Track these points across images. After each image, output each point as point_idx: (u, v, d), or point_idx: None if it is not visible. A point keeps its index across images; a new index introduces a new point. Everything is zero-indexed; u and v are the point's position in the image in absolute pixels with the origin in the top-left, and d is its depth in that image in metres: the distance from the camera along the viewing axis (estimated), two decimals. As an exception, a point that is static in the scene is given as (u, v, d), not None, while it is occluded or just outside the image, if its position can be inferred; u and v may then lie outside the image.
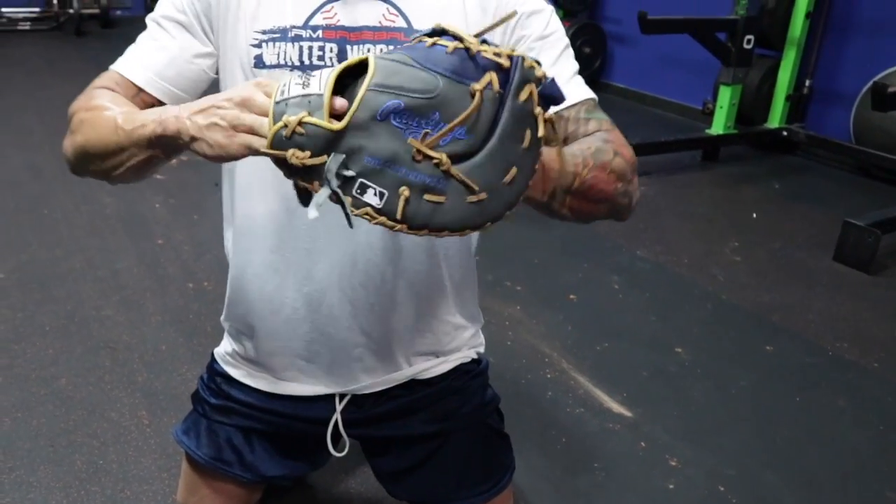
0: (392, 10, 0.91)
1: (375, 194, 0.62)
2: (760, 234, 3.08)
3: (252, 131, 0.66)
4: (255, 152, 0.67)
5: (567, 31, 0.97)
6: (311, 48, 0.89)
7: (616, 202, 0.84)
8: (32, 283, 2.36)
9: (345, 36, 0.90)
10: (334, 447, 1.10)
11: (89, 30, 7.07)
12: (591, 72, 5.41)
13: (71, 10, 6.86)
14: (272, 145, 0.63)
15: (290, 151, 0.62)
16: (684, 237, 3.03)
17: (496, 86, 0.61)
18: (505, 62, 0.62)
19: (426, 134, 0.60)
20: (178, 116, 0.72)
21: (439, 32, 0.64)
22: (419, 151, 0.61)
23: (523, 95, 0.62)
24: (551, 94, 0.64)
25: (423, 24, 0.91)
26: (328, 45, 0.90)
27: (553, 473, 1.66)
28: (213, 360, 1.15)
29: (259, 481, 1.14)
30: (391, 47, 0.89)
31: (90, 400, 1.81)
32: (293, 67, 0.89)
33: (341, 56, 0.89)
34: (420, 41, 0.64)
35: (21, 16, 7.15)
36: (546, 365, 2.06)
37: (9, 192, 3.10)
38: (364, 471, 1.59)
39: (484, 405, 1.15)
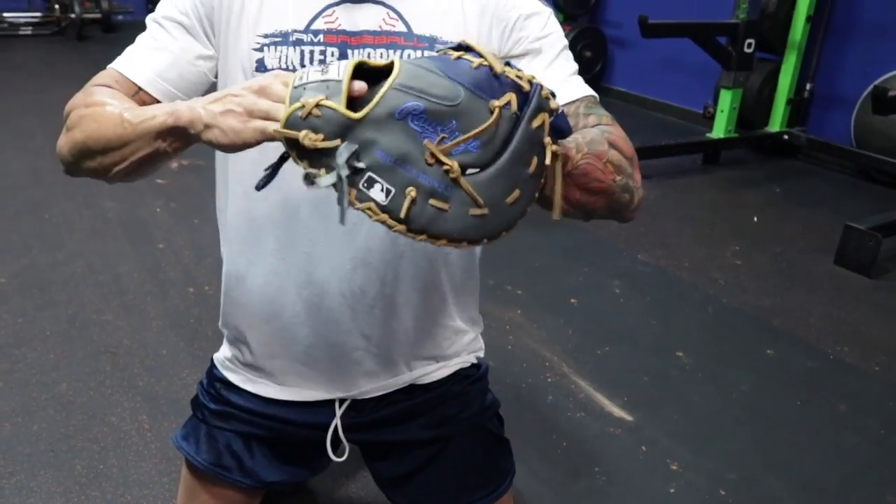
0: (392, 14, 0.91)
1: (382, 190, 0.62)
2: (761, 238, 3.08)
3: (267, 117, 0.66)
4: (269, 138, 0.66)
5: (567, 35, 0.97)
6: (312, 52, 0.90)
7: (614, 196, 0.81)
8: (33, 288, 2.36)
9: (346, 40, 0.90)
10: (334, 452, 1.10)
11: (91, 34, 7.09)
12: (591, 75, 5.41)
13: (72, 15, 6.88)
14: (286, 125, 0.63)
15: (304, 132, 0.62)
16: (685, 241, 3.03)
17: (514, 106, 0.62)
18: (525, 86, 0.63)
19: (443, 138, 0.61)
20: (191, 107, 0.72)
21: (464, 48, 0.64)
22: (432, 155, 0.61)
23: (536, 122, 0.63)
24: (561, 126, 0.65)
25: (422, 28, 0.91)
26: (329, 49, 0.90)
27: (553, 478, 1.66)
28: (213, 365, 1.14)
29: (259, 487, 1.14)
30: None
31: (90, 404, 1.81)
32: (294, 72, 0.89)
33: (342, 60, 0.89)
34: (445, 53, 0.64)
35: (23, 20, 7.17)
36: (546, 369, 2.06)
37: (10, 196, 3.10)
38: (364, 476, 1.58)
39: (484, 410, 1.15)
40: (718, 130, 4.06)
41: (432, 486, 1.12)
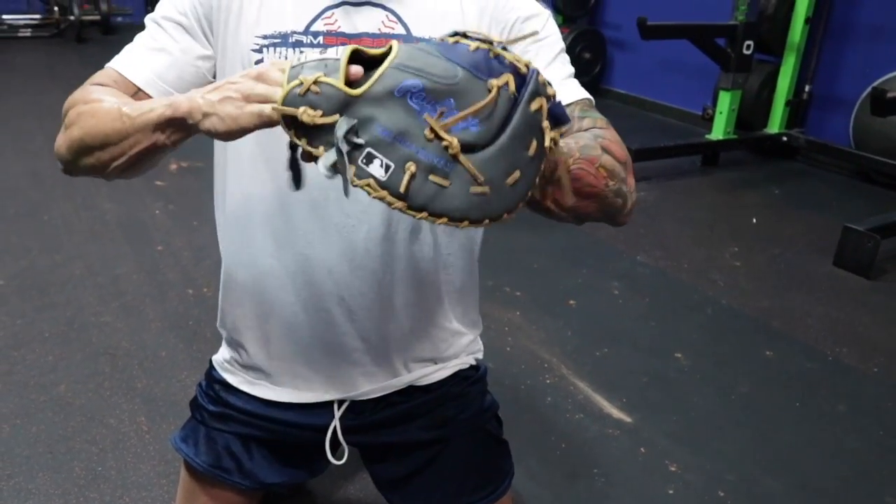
0: (391, 17, 0.91)
1: (381, 166, 0.62)
2: (760, 240, 3.08)
3: (265, 100, 0.67)
4: (267, 120, 0.66)
5: (566, 37, 0.97)
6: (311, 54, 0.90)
7: (607, 200, 0.81)
8: (32, 290, 2.36)
9: (345, 42, 0.90)
10: (333, 454, 1.10)
11: (90, 36, 7.09)
12: (590, 77, 5.41)
13: (72, 17, 6.88)
14: (284, 102, 0.63)
15: (302, 109, 0.62)
16: (684, 242, 3.03)
17: (512, 87, 0.62)
18: (523, 68, 0.63)
19: (442, 113, 0.61)
20: (189, 97, 0.72)
21: (461, 35, 0.65)
22: (432, 130, 0.61)
23: (535, 106, 0.63)
24: (559, 114, 0.65)
25: (421, 30, 0.91)
26: (328, 52, 0.90)
27: (552, 479, 1.66)
28: (212, 367, 1.14)
29: (258, 489, 1.14)
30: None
31: (89, 406, 1.81)
32: None
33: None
34: (443, 41, 0.65)
35: (22, 22, 7.17)
36: (545, 370, 2.06)
37: (9, 198, 3.10)
38: (363, 477, 1.58)
39: (482, 411, 1.15)
40: (717, 132, 4.07)
41: (431, 487, 1.12)
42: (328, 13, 0.90)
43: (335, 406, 1.07)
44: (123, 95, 0.87)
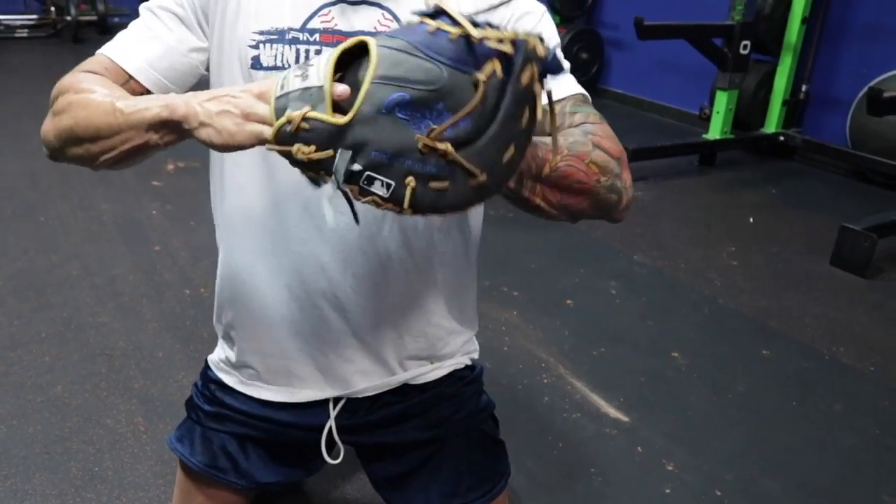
0: (387, 15, 0.91)
1: (382, 185, 0.63)
2: (757, 239, 3.08)
3: (264, 122, 0.66)
4: (264, 142, 0.66)
5: (564, 37, 0.97)
6: (307, 51, 0.90)
7: (600, 196, 0.81)
8: (29, 290, 2.35)
9: (341, 40, 0.89)
10: (329, 454, 1.10)
11: (87, 36, 7.07)
12: (587, 77, 5.41)
13: (68, 17, 6.87)
14: (277, 140, 0.63)
15: (296, 147, 0.62)
16: (681, 242, 3.03)
17: (499, 73, 0.61)
18: (508, 49, 0.61)
19: (431, 130, 0.61)
20: (187, 102, 0.71)
21: (439, 13, 0.63)
22: (425, 145, 0.61)
23: (525, 78, 0.62)
24: (552, 67, 0.64)
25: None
26: (325, 49, 0.90)
27: (549, 479, 1.66)
28: (207, 366, 1.14)
29: (254, 488, 1.14)
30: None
31: (86, 407, 1.81)
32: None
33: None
34: (421, 23, 0.63)
35: (18, 23, 7.15)
36: (542, 370, 2.06)
37: (5, 199, 3.10)
38: (359, 476, 1.58)
39: (478, 411, 1.15)
40: (714, 132, 4.07)
41: (427, 487, 1.12)
42: (325, 10, 0.90)
43: (331, 405, 1.07)
44: (115, 86, 0.86)
